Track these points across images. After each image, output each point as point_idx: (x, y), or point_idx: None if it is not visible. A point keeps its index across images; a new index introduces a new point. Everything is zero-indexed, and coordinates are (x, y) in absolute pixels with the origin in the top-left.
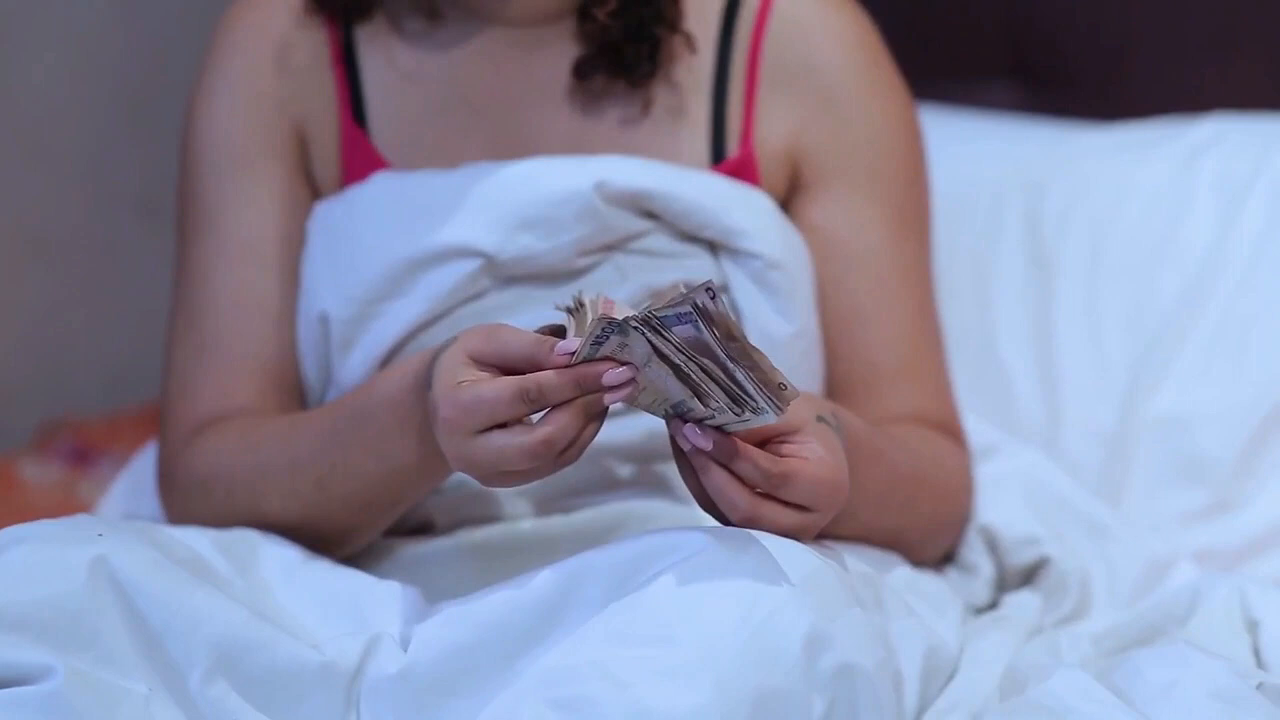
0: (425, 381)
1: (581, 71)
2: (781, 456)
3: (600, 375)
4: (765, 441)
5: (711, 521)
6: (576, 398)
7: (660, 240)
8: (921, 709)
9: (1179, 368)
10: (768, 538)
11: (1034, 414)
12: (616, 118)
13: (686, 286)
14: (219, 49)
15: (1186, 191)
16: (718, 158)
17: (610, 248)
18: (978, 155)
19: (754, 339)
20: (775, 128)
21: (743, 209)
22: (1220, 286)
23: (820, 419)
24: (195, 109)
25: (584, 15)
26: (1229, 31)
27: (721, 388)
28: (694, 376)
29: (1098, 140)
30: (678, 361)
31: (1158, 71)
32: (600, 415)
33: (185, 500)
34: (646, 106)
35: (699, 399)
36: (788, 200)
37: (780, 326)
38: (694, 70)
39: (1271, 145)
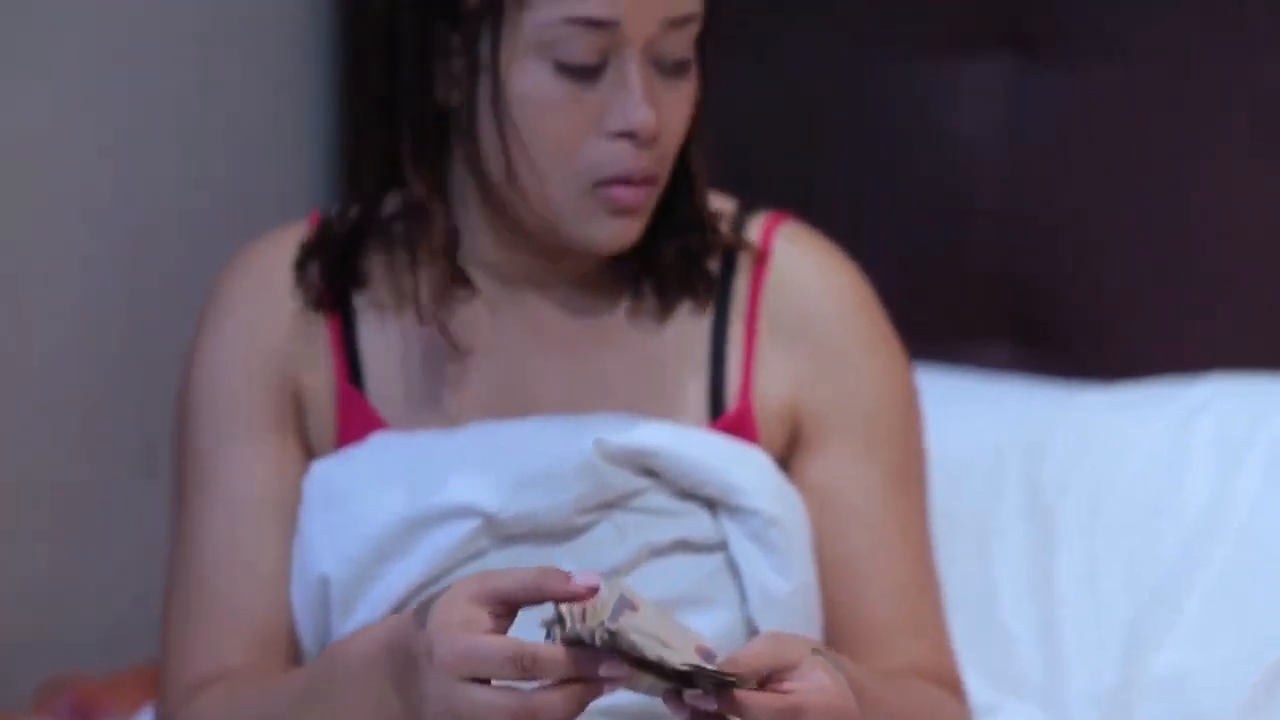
0: (404, 631)
1: (638, 302)
2: (785, 694)
3: (597, 667)
4: (765, 683)
5: None
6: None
7: (659, 498)
8: None
9: (1179, 626)
10: None
11: (1034, 673)
12: (616, 369)
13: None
14: (217, 306)
15: (1184, 451)
16: (716, 411)
17: (609, 505)
18: (976, 415)
19: (753, 596)
20: (774, 383)
21: (741, 466)
22: (1219, 545)
23: (816, 652)
24: (192, 366)
25: (646, 257)
26: (1226, 293)
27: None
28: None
29: (1096, 400)
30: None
31: (1155, 332)
32: (594, 696)
33: None
34: (647, 358)
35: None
36: (786, 455)
37: (779, 584)
38: (695, 322)
39: (1268, 406)
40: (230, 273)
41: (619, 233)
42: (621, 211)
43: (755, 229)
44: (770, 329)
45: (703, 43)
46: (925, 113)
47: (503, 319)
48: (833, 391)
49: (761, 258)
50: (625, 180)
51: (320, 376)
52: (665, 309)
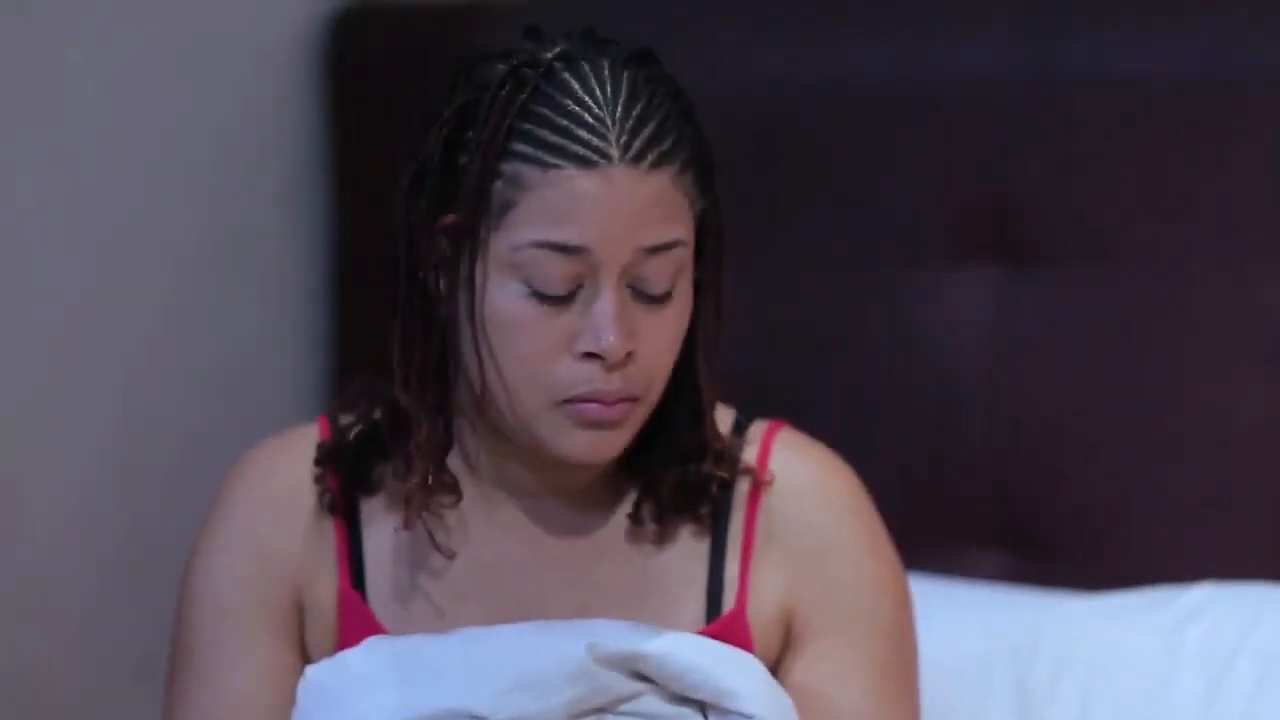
0: None
1: (638, 519)
2: None
3: None
4: None
5: None
6: None
7: (652, 702)
8: None
9: None
10: None
11: None
12: (613, 582)
13: None
14: (224, 505)
15: (1174, 659)
16: (712, 615)
17: (602, 710)
18: (966, 623)
19: None
20: (769, 588)
21: (735, 671)
22: None
23: None
24: (196, 562)
25: (646, 473)
26: (1215, 502)
27: None
28: None
29: (1086, 608)
30: None
31: (1145, 541)
32: None
33: None
34: (643, 573)
35: None
36: (780, 657)
37: None
38: (693, 538)
39: (1259, 614)
40: (237, 477)
41: (592, 445)
42: (593, 425)
43: (755, 438)
44: (767, 537)
45: (715, 263)
46: (914, 321)
47: (499, 525)
48: (824, 594)
49: (760, 464)
50: (593, 399)
51: (324, 582)
52: (665, 532)
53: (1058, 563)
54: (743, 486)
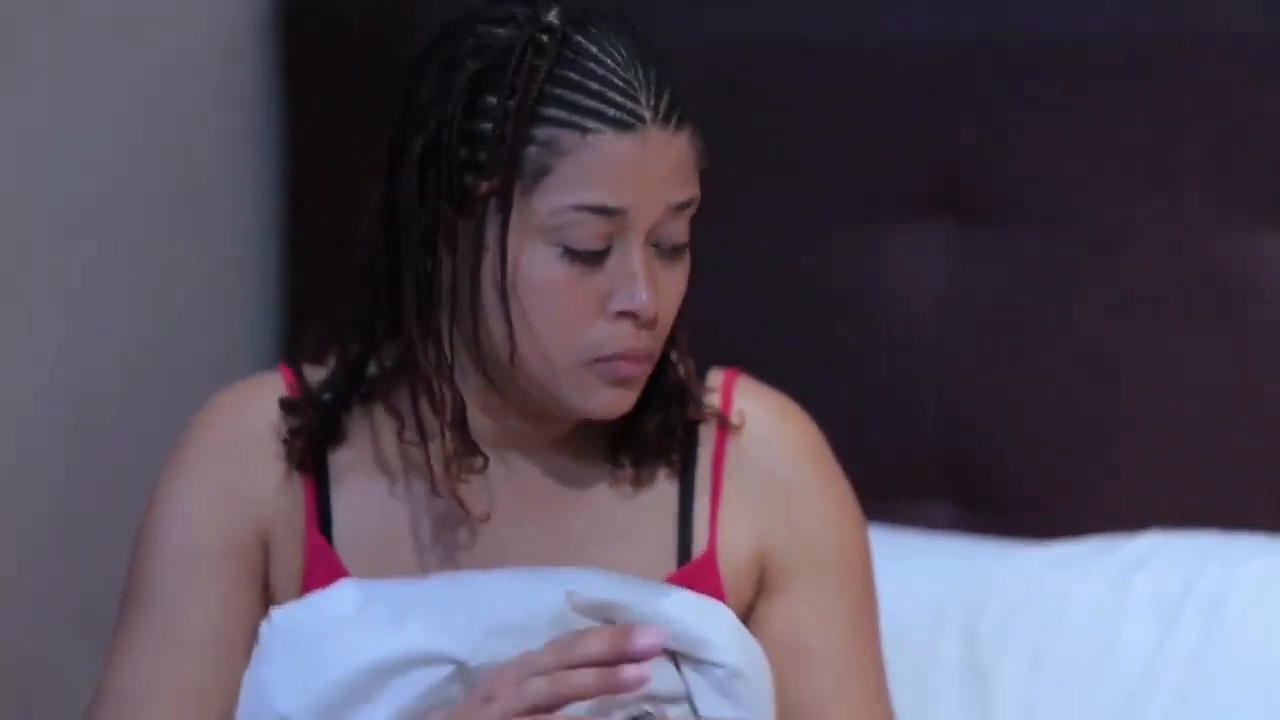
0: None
1: (618, 461)
2: None
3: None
4: None
5: None
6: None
7: None
8: None
9: None
10: None
11: None
12: (587, 528)
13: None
14: (190, 447)
15: (1122, 607)
16: (683, 559)
17: None
18: (916, 573)
19: None
20: (739, 533)
21: (707, 620)
22: (1156, 699)
23: None
24: (158, 503)
25: (625, 425)
26: (1161, 453)
27: None
28: None
29: (1034, 557)
30: None
31: (1092, 491)
32: None
33: None
34: (618, 518)
35: None
36: (752, 602)
37: None
38: (665, 483)
39: (1204, 561)
40: (202, 421)
41: (615, 401)
42: (620, 382)
43: (715, 385)
44: (734, 483)
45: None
46: (866, 279)
47: (480, 480)
48: (794, 538)
49: (723, 410)
50: (624, 357)
51: (290, 528)
52: (642, 476)
53: (1007, 514)
54: (709, 432)
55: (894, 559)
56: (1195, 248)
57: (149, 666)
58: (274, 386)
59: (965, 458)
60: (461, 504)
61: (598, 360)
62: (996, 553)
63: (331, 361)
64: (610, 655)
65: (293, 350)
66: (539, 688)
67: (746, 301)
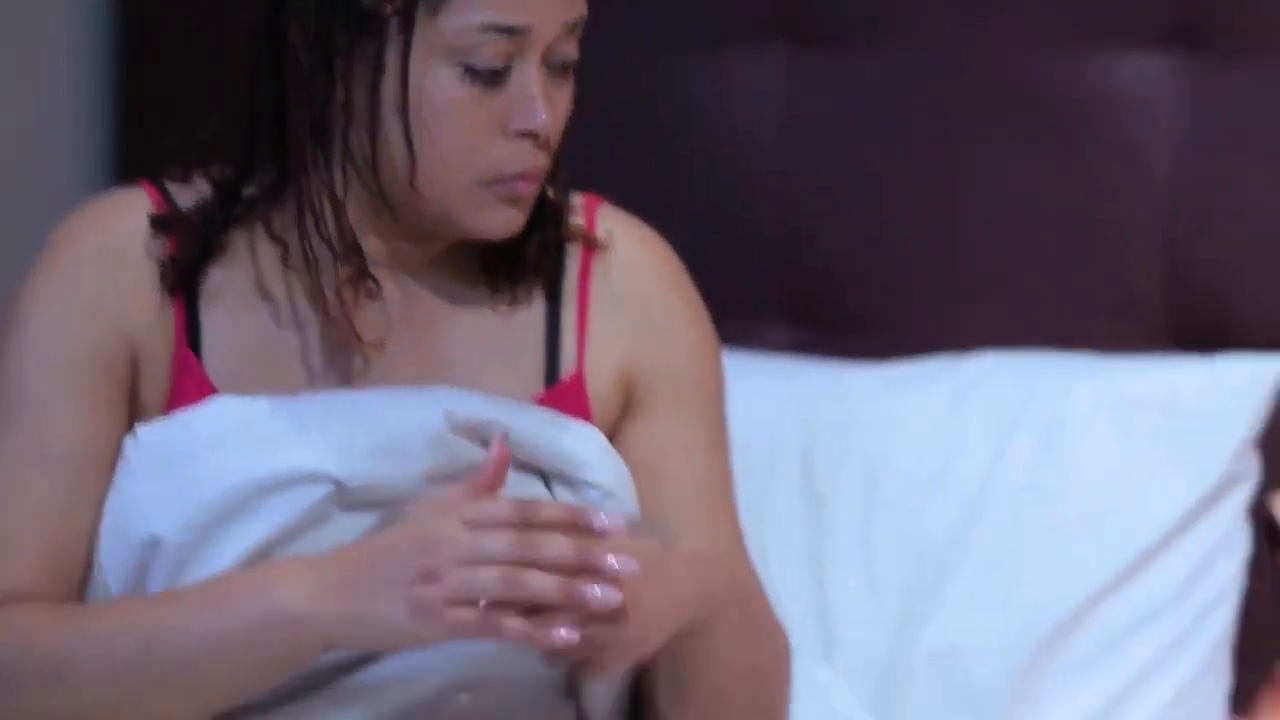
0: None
1: (492, 281)
2: None
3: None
4: None
5: None
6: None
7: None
8: None
9: (951, 599)
10: None
11: (807, 646)
12: (460, 347)
13: None
14: (55, 256)
15: (957, 427)
16: (551, 380)
17: (451, 478)
18: (753, 394)
19: None
20: (606, 352)
21: (580, 440)
22: (991, 518)
23: None
24: (22, 311)
25: (505, 244)
26: (996, 274)
27: None
28: None
29: (870, 378)
30: None
31: (929, 312)
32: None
33: None
34: (490, 336)
35: None
36: (619, 422)
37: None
38: (536, 302)
39: (1038, 380)
40: (65, 235)
41: (510, 221)
42: (516, 201)
43: (578, 208)
44: (600, 305)
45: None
46: (706, 100)
47: (369, 304)
48: (659, 361)
49: (588, 231)
50: (522, 177)
51: (158, 341)
52: (518, 296)
53: (844, 336)
54: (575, 254)
55: (732, 381)
56: (1032, 69)
57: (11, 476)
58: (139, 202)
59: (803, 280)
60: (354, 330)
61: (496, 181)
62: (833, 374)
63: (198, 180)
64: (566, 526)
65: (135, 164)
66: (490, 581)
67: (587, 126)
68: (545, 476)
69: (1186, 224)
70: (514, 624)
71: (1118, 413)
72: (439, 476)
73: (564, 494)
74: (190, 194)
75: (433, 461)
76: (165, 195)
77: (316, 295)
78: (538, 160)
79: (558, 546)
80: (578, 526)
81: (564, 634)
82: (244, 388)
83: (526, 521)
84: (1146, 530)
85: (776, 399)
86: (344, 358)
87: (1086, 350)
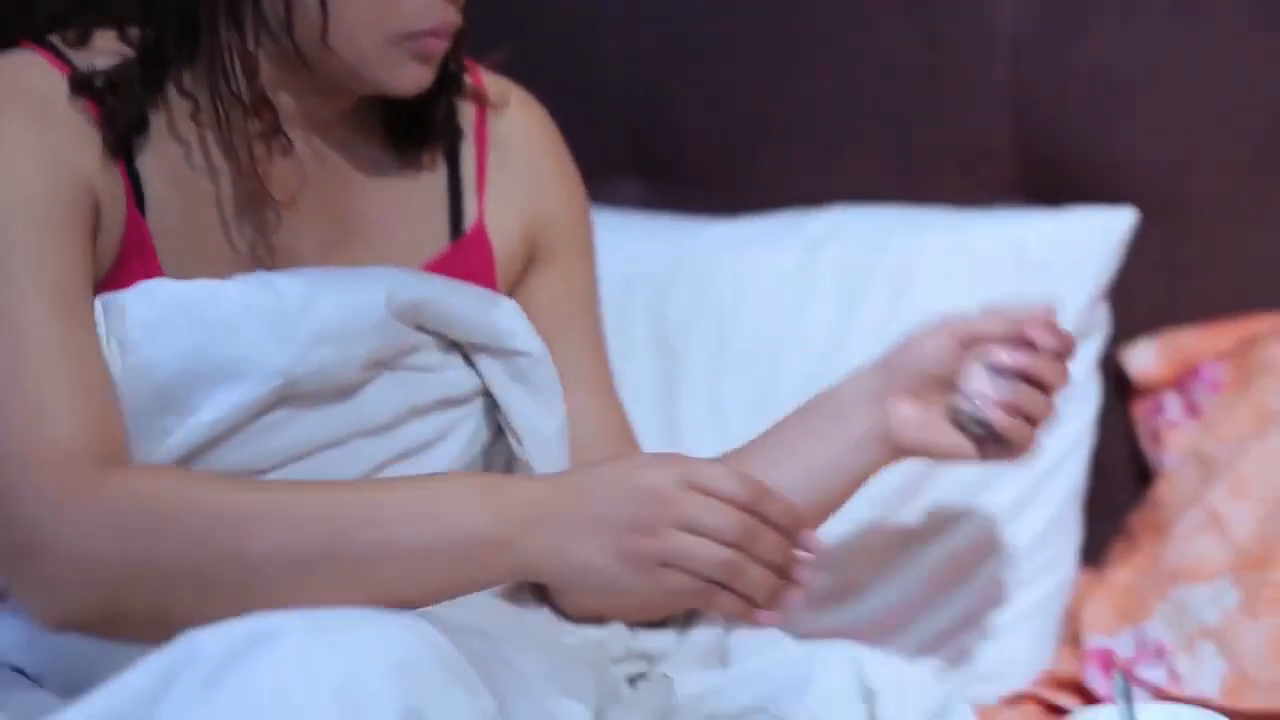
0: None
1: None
2: None
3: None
4: None
5: None
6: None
7: (429, 355)
8: None
9: None
10: (367, 621)
11: None
12: (368, 204)
13: None
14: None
15: (808, 281)
16: (455, 236)
17: (382, 364)
18: (605, 249)
19: (526, 437)
20: (505, 208)
21: (506, 314)
22: (841, 372)
23: None
24: None
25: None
26: (845, 129)
27: None
28: None
29: (721, 233)
30: None
31: (781, 168)
32: None
33: (116, 533)
34: (396, 194)
35: None
36: (521, 275)
37: (547, 422)
38: (438, 160)
39: (888, 234)
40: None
41: (420, 77)
42: (427, 58)
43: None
44: (495, 162)
45: None
46: None
47: (282, 160)
48: (553, 215)
49: (479, 92)
50: (433, 34)
51: (112, 200)
52: (422, 154)
53: (694, 190)
54: (469, 113)
55: None
56: None
57: (34, 327)
58: (38, 65)
59: (653, 136)
60: (265, 188)
61: (408, 37)
62: (684, 229)
63: (96, 40)
64: (785, 525)
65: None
66: (712, 560)
67: None
68: (466, 355)
69: (1033, 78)
70: (728, 602)
71: (967, 266)
72: (375, 362)
73: (491, 364)
74: (86, 55)
75: (374, 345)
76: (59, 57)
77: (229, 152)
78: (448, 15)
79: (773, 546)
80: (792, 532)
81: (767, 617)
82: (184, 251)
83: (752, 508)
84: None
85: (628, 254)
86: (258, 214)
87: (936, 204)
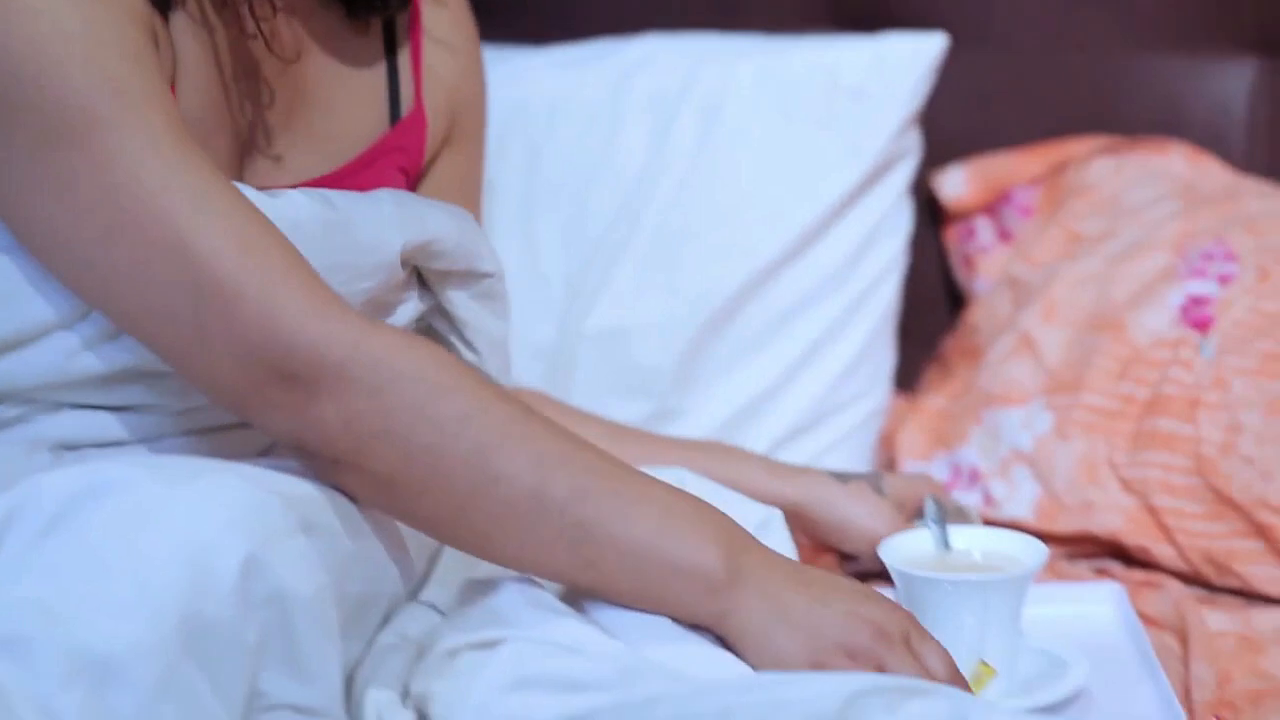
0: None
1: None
2: None
3: None
4: None
5: None
6: None
7: (405, 290)
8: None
9: (616, 283)
10: (210, 472)
11: None
12: (318, 88)
13: None
14: None
15: (619, 110)
16: (394, 116)
17: (384, 304)
18: None
19: (480, 345)
20: (434, 91)
21: (480, 235)
22: (654, 202)
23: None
24: (42, 40)
25: None
26: None
27: None
28: None
29: (532, 61)
30: None
31: None
32: None
33: (394, 391)
34: (339, 77)
35: None
36: (435, 155)
37: (501, 328)
38: (377, 37)
39: (700, 63)
40: None
41: None
42: None
43: None
44: (427, 44)
45: None
46: None
47: (231, 51)
48: (468, 100)
49: None
50: None
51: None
52: (370, 34)
53: (505, 17)
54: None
55: None
56: None
57: (194, 173)
58: None
59: None
60: (268, 43)
61: None
62: (496, 56)
63: None
64: None
65: None
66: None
67: None
68: (421, 276)
69: None
70: None
71: (779, 93)
72: (369, 300)
73: (455, 294)
74: None
75: (374, 283)
76: None
77: (233, 16)
78: None
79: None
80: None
81: None
82: (200, 105)
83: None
84: (810, 209)
85: None
86: (251, 82)
87: (748, 31)
